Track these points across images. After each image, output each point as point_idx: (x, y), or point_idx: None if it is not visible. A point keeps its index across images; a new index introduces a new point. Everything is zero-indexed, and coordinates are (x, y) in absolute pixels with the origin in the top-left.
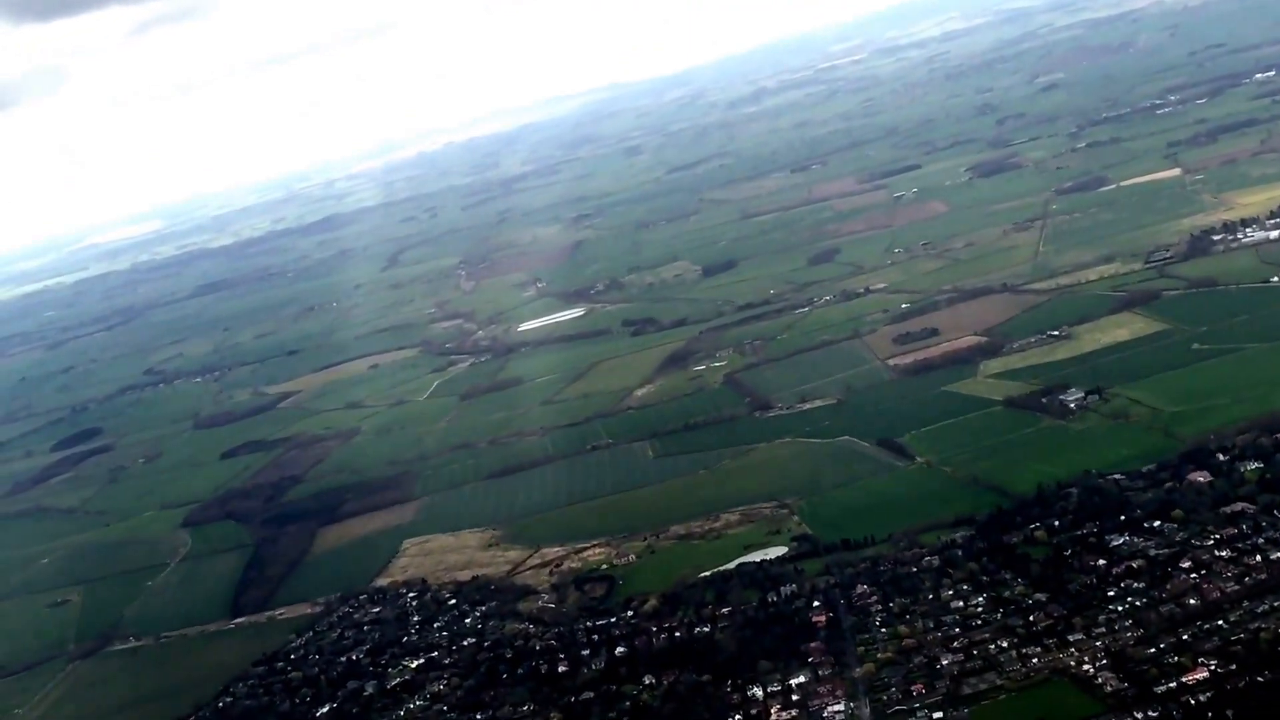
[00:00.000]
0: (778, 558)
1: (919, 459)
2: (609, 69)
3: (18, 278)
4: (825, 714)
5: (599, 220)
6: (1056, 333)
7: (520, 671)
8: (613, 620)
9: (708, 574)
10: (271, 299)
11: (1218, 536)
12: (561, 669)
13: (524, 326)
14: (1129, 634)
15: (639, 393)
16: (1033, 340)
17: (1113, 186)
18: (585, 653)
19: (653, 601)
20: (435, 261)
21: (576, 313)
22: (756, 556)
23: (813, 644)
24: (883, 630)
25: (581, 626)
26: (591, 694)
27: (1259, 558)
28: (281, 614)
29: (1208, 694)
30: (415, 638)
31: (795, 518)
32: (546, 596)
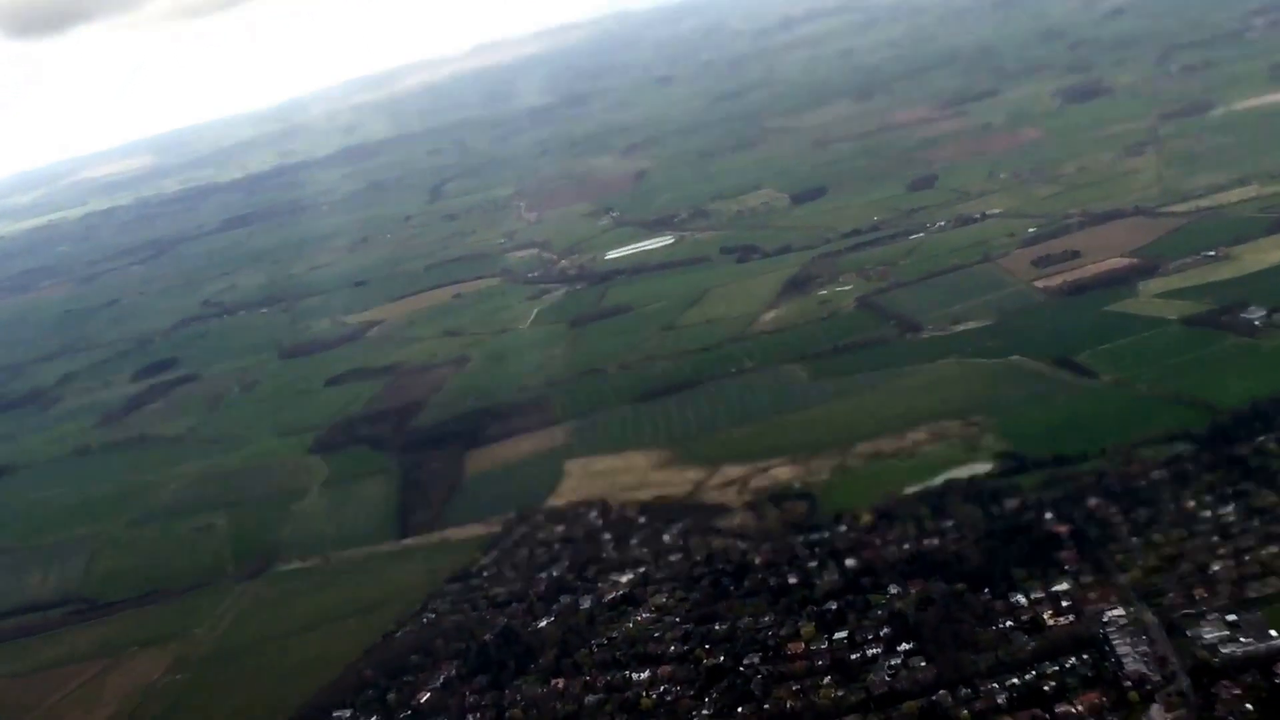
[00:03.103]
0: (986, 473)
1: (1104, 376)
2: None
3: (14, 212)
4: (1105, 619)
5: (654, 150)
6: (1213, 253)
7: (745, 584)
8: (826, 534)
9: (915, 490)
10: (312, 231)
11: None
12: (792, 580)
13: (612, 254)
14: None
15: (766, 317)
16: (1189, 261)
17: (1222, 110)
18: (813, 565)
19: (867, 516)
20: (485, 193)
21: (665, 240)
22: (962, 473)
23: (1063, 553)
24: (1134, 539)
25: (796, 541)
26: (835, 604)
27: None
28: (454, 534)
29: None
30: (614, 554)
31: (989, 435)
32: (743, 514)
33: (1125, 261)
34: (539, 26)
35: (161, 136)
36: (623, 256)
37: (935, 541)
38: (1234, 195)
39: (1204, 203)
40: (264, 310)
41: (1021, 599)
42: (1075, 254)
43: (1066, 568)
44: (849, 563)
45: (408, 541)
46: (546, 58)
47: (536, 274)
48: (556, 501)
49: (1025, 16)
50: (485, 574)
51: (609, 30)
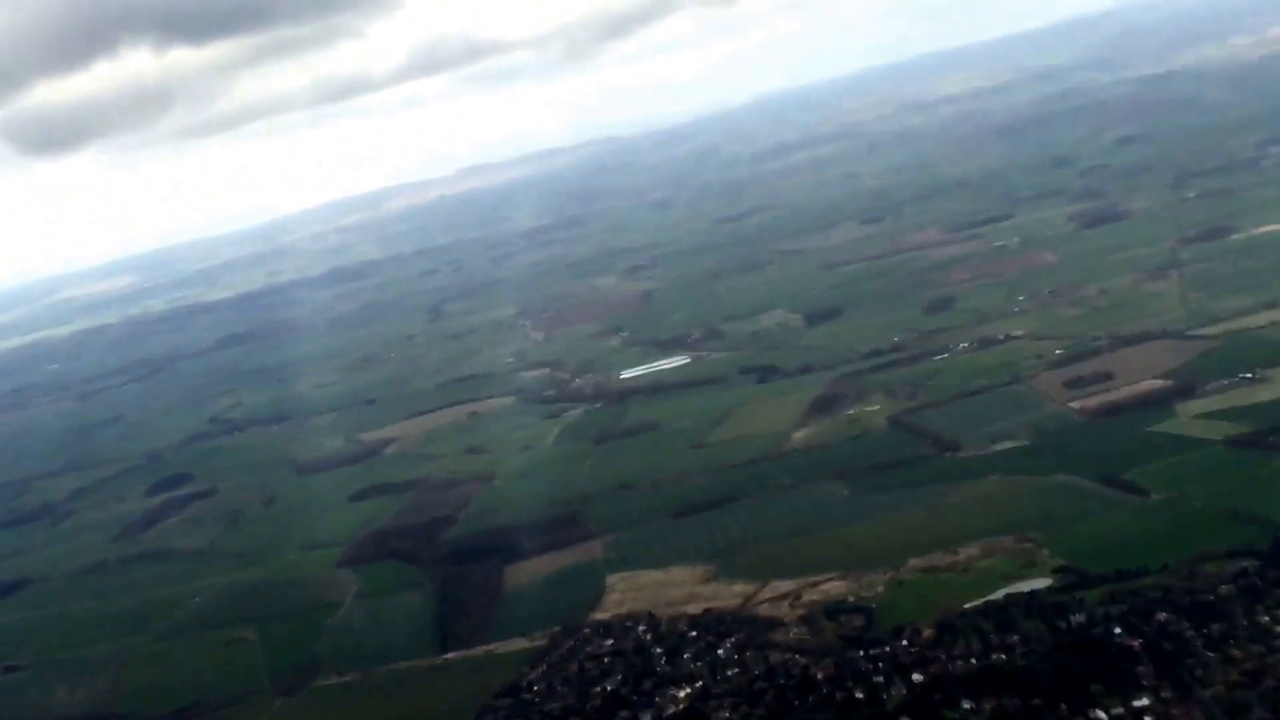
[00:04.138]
0: (1046, 588)
1: (1155, 494)
2: (601, 121)
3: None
4: None
5: (658, 271)
6: (1250, 375)
7: (810, 699)
8: (887, 649)
9: (975, 605)
10: (312, 350)
11: None
12: (858, 695)
13: (627, 374)
14: None
15: (797, 435)
16: (1226, 383)
17: (1243, 235)
18: (878, 679)
19: (928, 631)
20: (486, 313)
21: (681, 360)
22: (1022, 587)
23: (1139, 668)
24: (1210, 654)
25: (857, 655)
26: (909, 719)
27: None
28: (498, 648)
29: None
30: (668, 668)
31: (1044, 551)
32: (797, 628)
33: (1160, 383)
34: (525, 150)
35: (141, 256)
36: (639, 376)
37: (1003, 656)
38: (1263, 318)
39: (1233, 325)
40: (274, 427)
41: (1101, 715)
42: (1108, 376)
43: (1144, 683)
44: (915, 677)
45: (449, 656)
46: (535, 181)
47: (551, 393)
48: (602, 615)
49: (1031, 145)
50: (535, 688)
51: (597, 154)
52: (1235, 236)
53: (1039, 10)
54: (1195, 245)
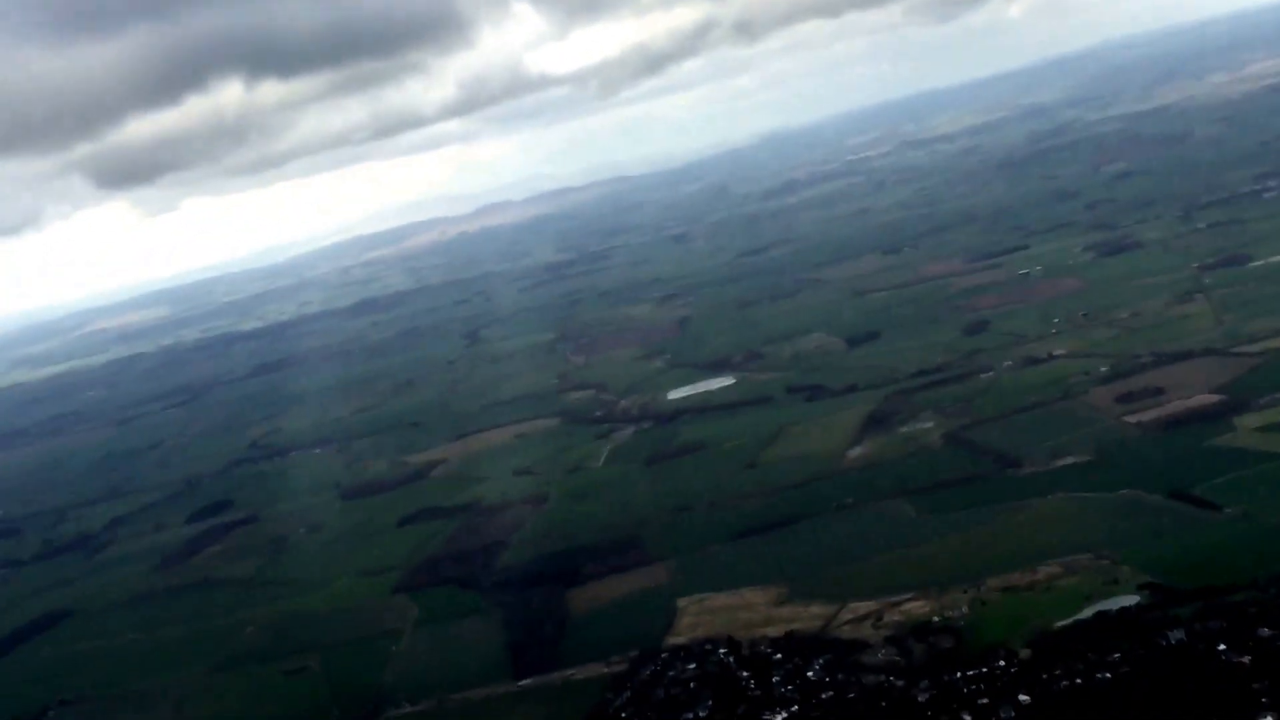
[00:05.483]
0: (1135, 606)
1: (1228, 509)
2: (606, 161)
3: (31, 360)
4: None
5: (690, 300)
6: None
7: None
8: (984, 670)
9: (1065, 623)
10: (349, 376)
11: None
12: (966, 717)
13: (673, 395)
14: None
15: (853, 453)
16: (1279, 396)
17: (1261, 262)
18: (983, 702)
19: (1024, 651)
20: (523, 338)
21: (726, 381)
22: (1110, 605)
23: (1254, 685)
24: None
25: (954, 676)
26: None
27: None
28: (574, 674)
29: None
30: (758, 692)
31: (1124, 568)
32: (885, 649)
33: (1213, 398)
34: (539, 188)
35: (166, 290)
36: (686, 396)
37: (1108, 675)
38: None
39: (1272, 344)
40: (316, 451)
41: None
42: (1160, 391)
43: (1264, 700)
44: (1022, 698)
45: (525, 682)
46: (552, 218)
47: (598, 414)
48: (678, 639)
49: (1033, 180)
50: (623, 714)
51: (608, 193)
52: (1254, 263)
53: (1021, 51)
54: (1216, 271)
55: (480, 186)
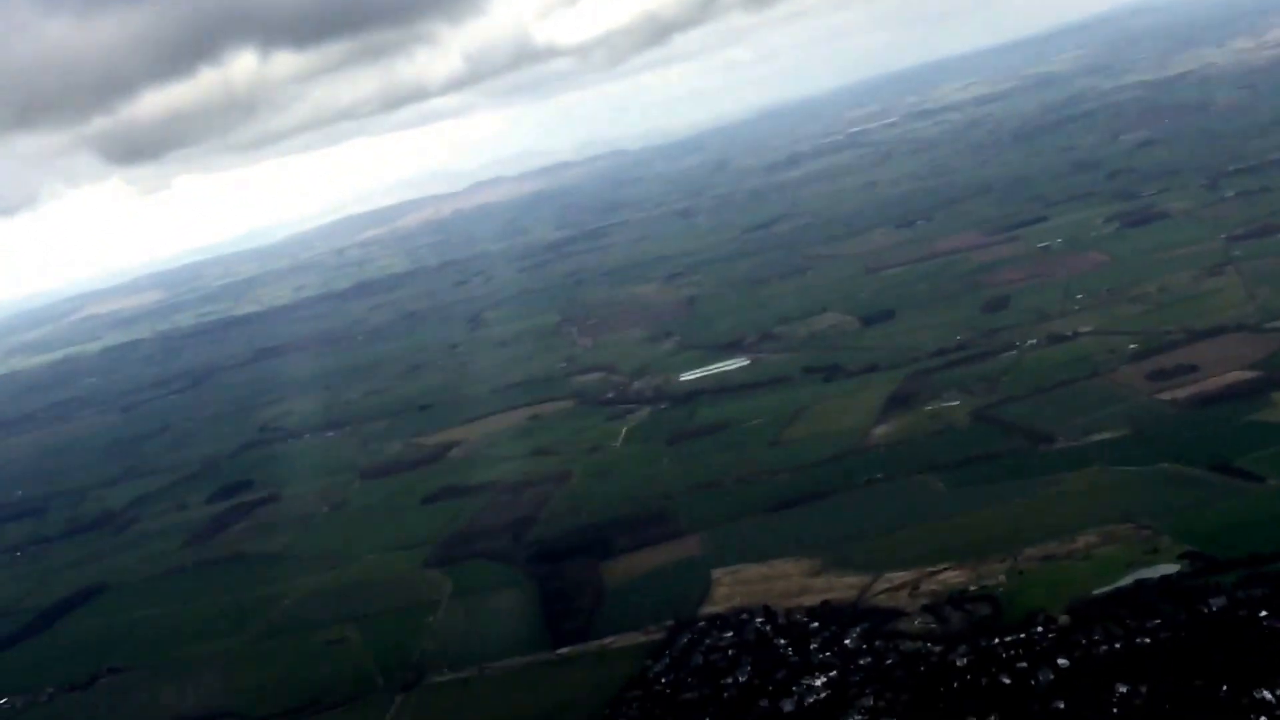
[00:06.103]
0: (1177, 574)
1: (1271, 480)
2: (602, 135)
3: (26, 347)
4: None
5: (697, 278)
6: None
7: (955, 685)
8: (1023, 635)
9: (1105, 591)
10: (356, 360)
11: None
12: (1005, 680)
13: (687, 376)
14: None
15: (877, 431)
16: None
17: None
18: (1021, 665)
19: (1064, 617)
20: (527, 320)
21: (740, 362)
22: (1150, 573)
23: None
24: None
25: (992, 643)
26: (1062, 703)
27: None
28: (612, 643)
29: None
30: (796, 659)
31: (1165, 537)
32: (922, 617)
33: (1248, 374)
34: (534, 164)
35: (157, 273)
36: (700, 378)
37: (1148, 640)
38: None
39: None
40: (329, 433)
41: (1268, 694)
42: (1192, 368)
43: None
44: (1061, 662)
45: (564, 651)
46: (549, 194)
47: (611, 395)
48: (714, 609)
49: (1048, 150)
50: (664, 680)
51: (607, 167)
52: None
53: (1031, 17)
54: (1246, 243)
55: (474, 162)
